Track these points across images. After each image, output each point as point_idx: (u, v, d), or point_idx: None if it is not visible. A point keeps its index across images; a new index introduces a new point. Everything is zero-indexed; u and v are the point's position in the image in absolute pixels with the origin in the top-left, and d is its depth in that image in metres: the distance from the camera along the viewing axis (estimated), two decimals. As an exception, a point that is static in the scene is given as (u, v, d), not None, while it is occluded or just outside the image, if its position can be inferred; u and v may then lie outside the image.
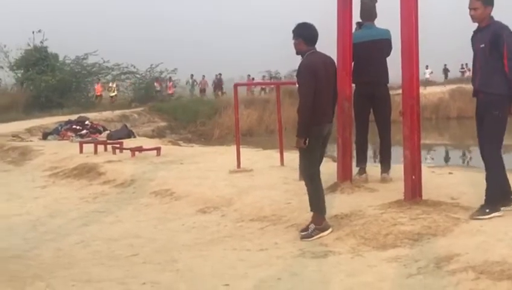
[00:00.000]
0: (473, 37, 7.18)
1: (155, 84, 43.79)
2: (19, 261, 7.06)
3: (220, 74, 50.73)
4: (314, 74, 6.93)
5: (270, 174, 10.61)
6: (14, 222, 9.25)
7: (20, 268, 6.76)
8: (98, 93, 40.70)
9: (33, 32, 40.08)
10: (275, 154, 12.52)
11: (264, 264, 6.45)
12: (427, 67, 50.31)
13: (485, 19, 6.98)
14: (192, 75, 51.33)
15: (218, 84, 49.86)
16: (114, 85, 40.11)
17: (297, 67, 7.21)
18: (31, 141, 21.21)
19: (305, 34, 7.15)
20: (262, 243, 7.15)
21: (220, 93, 47.33)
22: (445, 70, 54.64)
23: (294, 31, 7.19)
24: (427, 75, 49.38)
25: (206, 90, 50.08)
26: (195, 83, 51.20)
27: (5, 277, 6.46)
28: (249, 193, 9.33)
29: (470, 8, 7.00)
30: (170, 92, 43.89)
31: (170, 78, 45.01)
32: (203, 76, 51.81)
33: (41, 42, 40.44)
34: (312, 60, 7.03)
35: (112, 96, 39.44)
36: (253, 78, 49.82)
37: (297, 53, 7.24)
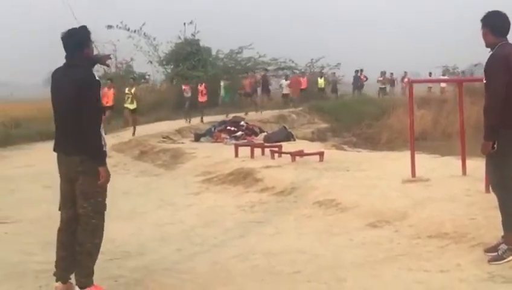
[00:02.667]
0: None
1: (183, 87, 32.85)
2: (172, 274, 7.31)
3: (266, 70, 42.64)
4: (508, 67, 6.68)
5: (450, 185, 10.37)
6: (166, 231, 9.59)
7: (173, 282, 6.99)
8: (109, 103, 26.63)
9: (184, 24, 41.10)
10: (454, 161, 12.24)
11: (445, 287, 6.33)
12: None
13: None
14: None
15: (265, 85, 39.25)
16: (133, 90, 26.96)
17: (479, 62, 6.96)
18: (182, 142, 21.94)
19: (493, 24, 6.91)
20: (442, 264, 7.00)
21: (266, 98, 38.97)
22: None
23: (482, 20, 6.98)
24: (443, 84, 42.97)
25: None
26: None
27: (157, 291, 6.73)
28: (426, 206, 9.16)
29: None
30: (202, 100, 31.37)
31: (201, 80, 34.53)
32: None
33: (192, 35, 41.44)
34: (505, 52, 6.78)
35: (129, 109, 26.68)
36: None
37: (487, 46, 7.01)
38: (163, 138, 23.00)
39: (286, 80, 40.74)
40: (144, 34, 40.04)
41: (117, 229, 9.45)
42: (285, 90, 39.87)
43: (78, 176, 6.19)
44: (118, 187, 13.35)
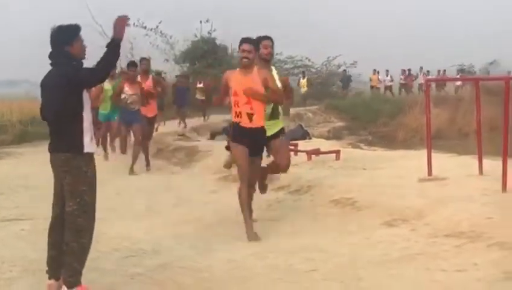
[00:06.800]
0: None
1: None
2: (189, 272, 7.29)
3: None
4: None
5: (467, 184, 10.31)
6: (182, 229, 9.59)
7: (189, 281, 6.99)
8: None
9: (200, 22, 41.15)
10: (471, 161, 12.18)
11: (462, 287, 6.31)
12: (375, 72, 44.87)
13: None
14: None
15: None
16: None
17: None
18: (198, 140, 21.95)
19: None
20: (459, 263, 6.97)
21: None
22: None
23: None
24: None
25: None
26: None
27: (173, 289, 6.73)
28: (443, 205, 9.12)
29: None
30: None
31: None
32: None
33: (209, 33, 41.49)
34: None
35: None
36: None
37: None
38: (179, 135, 23.01)
39: None
40: (161, 32, 40.11)
41: (133, 227, 9.52)
42: None
43: (65, 175, 6.25)
44: (134, 185, 13.49)
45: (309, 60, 45.60)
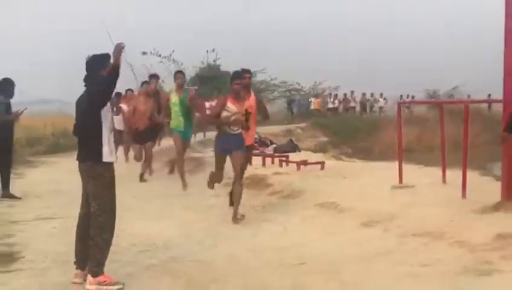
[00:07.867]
0: None
1: None
2: (196, 265, 7.34)
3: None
4: None
5: (432, 191, 10.34)
6: (190, 228, 9.56)
7: (196, 271, 7.03)
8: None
9: (207, 51, 41.35)
10: (436, 171, 12.19)
11: (427, 279, 6.31)
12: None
13: None
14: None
15: None
16: None
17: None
18: (205, 153, 21.91)
19: None
20: (425, 259, 6.98)
21: None
22: None
23: None
24: None
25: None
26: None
27: (183, 279, 6.74)
28: (412, 209, 9.16)
29: None
30: None
31: None
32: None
33: (214, 61, 41.68)
34: None
35: None
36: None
37: None
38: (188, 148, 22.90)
39: None
40: (173, 59, 40.22)
41: (148, 226, 9.53)
42: None
43: (89, 180, 6.38)
44: (149, 190, 13.48)
45: (299, 84, 45.80)
